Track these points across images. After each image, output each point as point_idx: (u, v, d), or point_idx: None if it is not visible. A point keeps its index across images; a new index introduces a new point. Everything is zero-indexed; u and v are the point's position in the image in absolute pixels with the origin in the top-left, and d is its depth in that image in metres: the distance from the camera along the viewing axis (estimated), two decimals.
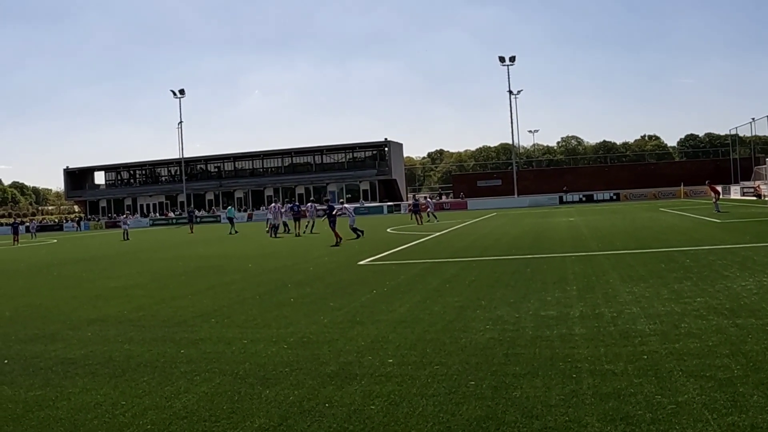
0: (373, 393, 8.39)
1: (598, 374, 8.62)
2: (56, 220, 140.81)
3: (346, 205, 47.75)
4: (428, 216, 61.34)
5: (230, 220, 66.33)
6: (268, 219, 53.89)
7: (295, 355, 10.70)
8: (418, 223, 55.92)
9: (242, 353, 11.09)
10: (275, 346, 11.46)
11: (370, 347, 10.92)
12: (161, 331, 13.48)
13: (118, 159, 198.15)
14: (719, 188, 52.15)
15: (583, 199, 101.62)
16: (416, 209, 60.26)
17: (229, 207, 76.80)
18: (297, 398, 8.36)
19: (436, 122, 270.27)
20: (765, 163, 66.63)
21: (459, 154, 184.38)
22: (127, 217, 76.31)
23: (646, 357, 9.31)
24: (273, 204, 56.00)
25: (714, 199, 49.77)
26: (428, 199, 71.65)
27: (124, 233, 64.60)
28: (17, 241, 65.06)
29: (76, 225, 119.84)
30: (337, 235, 37.77)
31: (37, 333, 14.12)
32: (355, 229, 41.54)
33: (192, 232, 65.80)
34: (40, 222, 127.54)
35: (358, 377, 9.13)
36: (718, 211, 46.84)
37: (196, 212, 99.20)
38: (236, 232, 60.78)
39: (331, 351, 10.82)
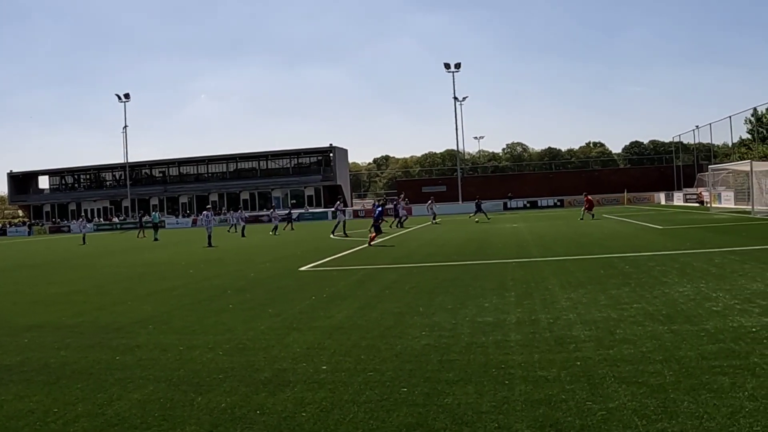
0: (305, 400, 8.38)
1: (531, 381, 8.65)
2: None
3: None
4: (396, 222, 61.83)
5: (154, 226, 64.90)
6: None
7: (230, 361, 10.67)
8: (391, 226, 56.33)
9: (178, 360, 11.03)
10: (211, 352, 11.43)
11: (305, 354, 10.90)
12: (99, 338, 13.37)
13: (63, 163, 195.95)
14: (593, 202, 53.55)
15: (528, 205, 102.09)
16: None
17: (154, 213, 75.84)
18: (229, 405, 8.33)
19: (382, 128, 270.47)
20: (707, 170, 67.12)
21: (405, 160, 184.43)
22: (82, 220, 75.30)
23: (579, 363, 9.35)
24: (205, 212, 56.17)
25: (585, 209, 51.31)
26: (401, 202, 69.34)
27: (83, 237, 64.22)
28: None
29: (28, 229, 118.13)
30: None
31: None
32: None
33: (157, 239, 65.02)
34: None
35: (291, 384, 9.11)
36: (582, 219, 48.46)
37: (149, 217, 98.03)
38: (157, 239, 60.11)
39: (266, 358, 10.79)
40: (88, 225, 73.02)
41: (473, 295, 16.20)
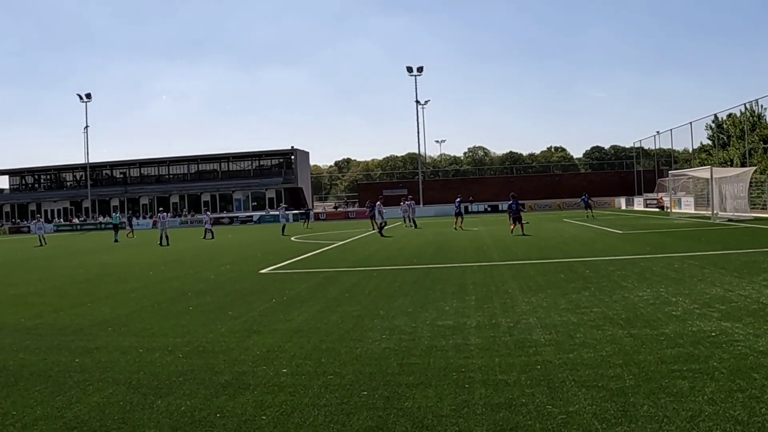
0: (265, 403, 8.36)
1: (491, 384, 8.66)
2: None
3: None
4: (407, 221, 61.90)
5: (114, 227, 64.80)
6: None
7: (190, 364, 10.63)
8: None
9: (137, 362, 10.97)
10: (170, 355, 11.38)
11: (265, 357, 10.89)
12: (57, 340, 13.29)
13: (22, 163, 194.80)
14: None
15: (489, 209, 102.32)
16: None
17: (114, 214, 75.32)
18: (189, 408, 8.29)
19: (343, 131, 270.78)
20: (668, 176, 67.52)
21: (366, 163, 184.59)
22: (38, 221, 74.48)
23: (539, 367, 9.38)
24: (161, 213, 55.99)
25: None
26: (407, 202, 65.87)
27: (39, 238, 63.44)
28: None
29: None
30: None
31: None
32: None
33: (133, 236, 64.19)
34: None
35: (251, 387, 9.09)
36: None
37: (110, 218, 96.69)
38: (117, 241, 59.89)
39: (225, 360, 10.77)
40: (45, 226, 72.32)
41: (433, 298, 16.25)
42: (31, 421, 8.15)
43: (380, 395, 8.44)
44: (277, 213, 77.89)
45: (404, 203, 64.66)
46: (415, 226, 59.07)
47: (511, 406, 7.75)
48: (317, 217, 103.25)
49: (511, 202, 42.06)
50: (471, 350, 10.65)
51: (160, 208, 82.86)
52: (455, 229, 51.05)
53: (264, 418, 7.83)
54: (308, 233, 56.44)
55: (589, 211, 65.78)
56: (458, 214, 54.53)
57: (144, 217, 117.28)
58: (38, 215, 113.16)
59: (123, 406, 8.54)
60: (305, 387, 8.98)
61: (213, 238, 56.29)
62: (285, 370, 9.91)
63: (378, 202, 48.93)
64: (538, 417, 7.36)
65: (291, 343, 11.82)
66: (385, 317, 13.98)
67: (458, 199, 57.24)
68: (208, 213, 64.96)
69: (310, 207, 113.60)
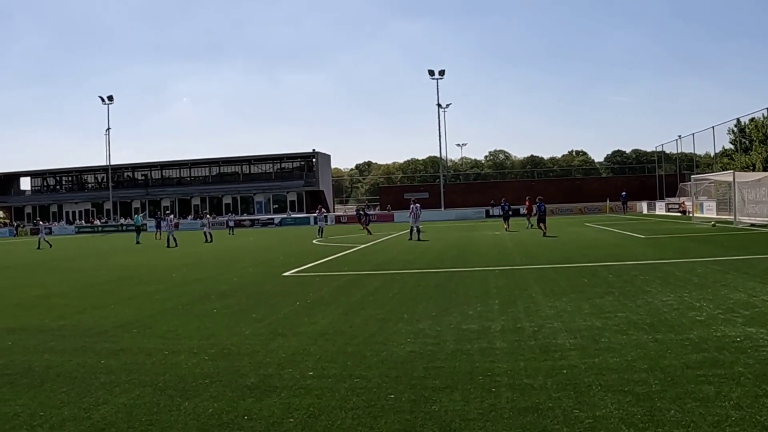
0: (292, 406, 8.37)
1: (517, 388, 8.65)
2: None
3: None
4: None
5: (137, 229, 64.47)
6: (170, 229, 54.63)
7: (216, 366, 10.64)
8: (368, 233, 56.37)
9: (163, 364, 10.99)
10: (196, 357, 11.40)
11: (290, 360, 10.90)
12: (82, 341, 13.32)
13: (44, 165, 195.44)
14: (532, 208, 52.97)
15: (510, 213, 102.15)
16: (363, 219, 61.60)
17: (136, 216, 74.95)
18: (216, 410, 8.31)
19: (364, 134, 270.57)
20: (690, 180, 67.20)
21: (387, 166, 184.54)
22: (44, 225, 74.27)
23: (565, 371, 9.37)
24: (166, 215, 56.26)
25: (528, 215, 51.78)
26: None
27: (39, 242, 62.15)
28: None
29: (15, 230, 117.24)
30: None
31: None
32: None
33: (139, 242, 63.49)
34: None
35: (277, 390, 9.10)
36: (531, 227, 48.85)
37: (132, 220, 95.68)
38: (139, 242, 59.83)
39: (251, 363, 10.78)
40: (55, 226, 72.34)
41: (457, 302, 16.23)
42: (59, 422, 8.18)
43: (407, 399, 8.45)
44: (315, 215, 78.15)
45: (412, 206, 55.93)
46: (411, 236, 46.43)
47: (538, 411, 7.74)
48: (338, 220, 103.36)
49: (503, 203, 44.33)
50: (496, 354, 10.65)
51: (167, 211, 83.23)
52: (507, 231, 52.00)
53: (291, 420, 7.84)
54: (329, 237, 56.32)
55: (625, 206, 66.09)
56: (506, 217, 54.73)
57: (184, 218, 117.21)
58: (37, 219, 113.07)
59: (150, 408, 8.56)
60: (332, 390, 8.99)
61: (211, 241, 56.10)
62: (311, 373, 9.93)
63: (416, 204, 47.75)
64: (565, 421, 7.35)
65: (316, 346, 11.84)
66: (410, 321, 13.99)
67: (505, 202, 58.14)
68: (208, 216, 65.02)
69: (330, 210, 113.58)
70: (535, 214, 46.61)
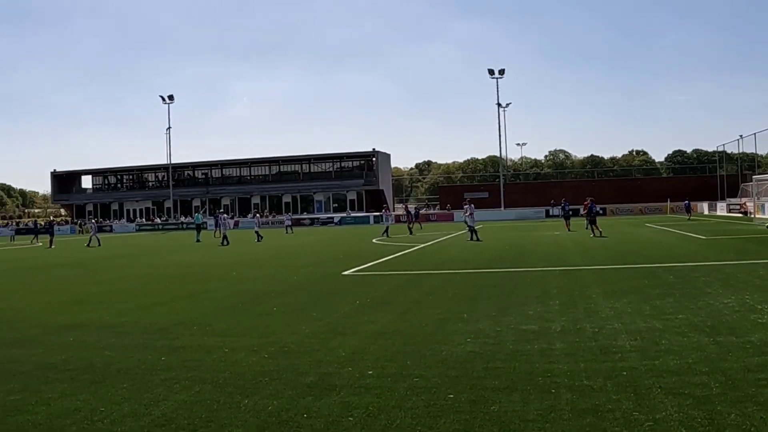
0: (351, 404, 8.38)
1: (577, 390, 8.60)
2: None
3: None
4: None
5: (197, 227, 63.89)
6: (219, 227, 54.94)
7: (275, 364, 10.69)
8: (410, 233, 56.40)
9: (222, 362, 11.06)
10: (255, 355, 11.44)
11: (349, 358, 10.91)
12: (141, 338, 13.47)
13: (105, 163, 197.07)
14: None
15: (570, 213, 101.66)
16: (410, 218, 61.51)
17: (197, 214, 74.81)
18: (275, 408, 8.34)
19: (423, 133, 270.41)
20: (752, 181, 66.57)
21: (447, 165, 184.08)
22: (95, 222, 74.57)
23: (625, 373, 9.29)
24: (219, 214, 56.47)
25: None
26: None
27: (90, 239, 61.64)
28: (53, 243, 62.80)
29: (79, 227, 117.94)
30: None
31: (17, 337, 14.13)
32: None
33: (199, 240, 61.44)
34: (55, 223, 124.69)
35: (336, 388, 9.12)
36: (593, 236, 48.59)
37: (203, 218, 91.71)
38: (199, 240, 59.27)
39: (310, 361, 10.81)
40: (116, 224, 72.82)
41: (516, 302, 16.18)
42: (119, 417, 8.25)
43: (466, 399, 8.42)
44: (381, 214, 79.24)
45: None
46: (472, 237, 45.33)
47: (598, 412, 7.69)
48: (398, 219, 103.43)
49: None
50: (556, 355, 10.60)
51: (220, 210, 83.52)
52: (568, 231, 52.20)
53: (351, 419, 7.85)
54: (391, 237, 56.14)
55: (688, 215, 65.55)
56: (566, 217, 54.52)
57: (244, 217, 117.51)
58: (92, 218, 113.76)
59: (210, 405, 8.61)
60: (391, 389, 8.99)
61: (228, 244, 51.77)
62: (370, 372, 9.94)
63: (470, 203, 47.23)
64: (624, 424, 7.29)
65: (375, 345, 11.86)
66: (468, 320, 13.94)
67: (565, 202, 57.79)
68: (224, 215, 64.86)
69: (391, 210, 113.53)
70: (586, 214, 46.15)
